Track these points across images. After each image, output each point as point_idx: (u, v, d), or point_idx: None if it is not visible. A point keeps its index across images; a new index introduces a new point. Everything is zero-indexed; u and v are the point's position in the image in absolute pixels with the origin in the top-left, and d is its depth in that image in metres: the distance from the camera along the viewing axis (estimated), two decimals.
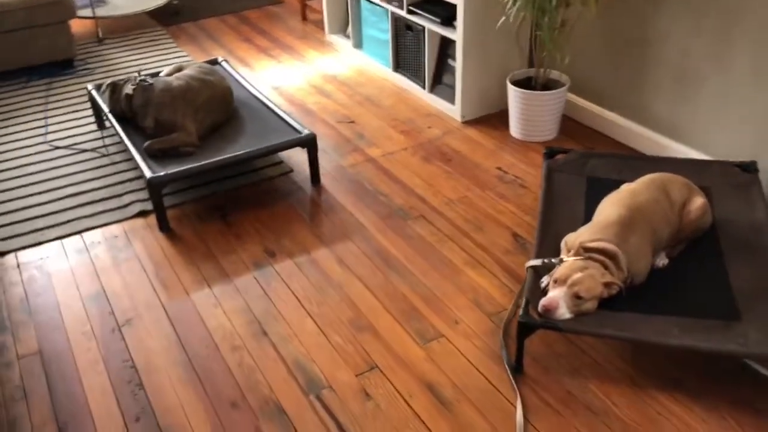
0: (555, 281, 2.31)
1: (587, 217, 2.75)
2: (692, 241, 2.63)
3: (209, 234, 3.14)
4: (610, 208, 2.56)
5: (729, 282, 2.41)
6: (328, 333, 2.57)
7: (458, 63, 3.85)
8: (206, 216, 3.27)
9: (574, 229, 2.66)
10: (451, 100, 4.05)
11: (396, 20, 4.33)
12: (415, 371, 2.39)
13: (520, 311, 2.29)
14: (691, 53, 3.18)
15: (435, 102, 4.19)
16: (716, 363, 2.33)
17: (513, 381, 2.30)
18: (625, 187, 2.68)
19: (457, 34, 3.79)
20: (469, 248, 2.98)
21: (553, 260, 2.44)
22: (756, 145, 3.03)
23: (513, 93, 3.71)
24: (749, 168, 2.97)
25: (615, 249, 2.36)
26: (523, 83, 3.75)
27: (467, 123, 3.99)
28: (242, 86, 3.93)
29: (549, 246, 2.60)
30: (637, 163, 3.11)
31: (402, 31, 4.32)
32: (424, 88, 4.25)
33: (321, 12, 5.52)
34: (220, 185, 3.47)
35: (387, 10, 4.36)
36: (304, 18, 5.70)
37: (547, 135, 3.75)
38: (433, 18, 3.97)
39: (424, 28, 4.06)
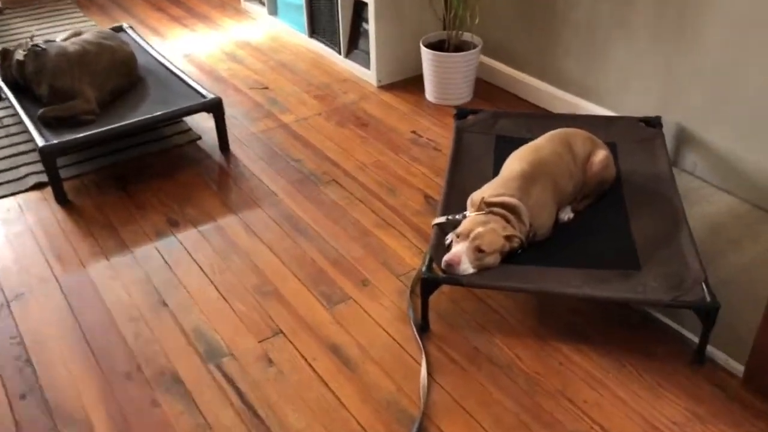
0: (458, 236, 2.28)
1: (496, 175, 2.74)
2: (599, 194, 2.64)
3: (109, 205, 2.99)
4: (513, 163, 2.54)
5: (630, 233, 2.43)
6: (231, 300, 2.48)
7: (371, 27, 3.77)
8: (107, 187, 3.12)
9: (481, 186, 2.64)
10: (367, 65, 3.97)
11: None
12: (321, 334, 2.33)
13: (423, 268, 2.25)
14: (598, 16, 3.19)
15: (351, 67, 4.11)
16: (620, 315, 2.36)
17: (418, 339, 2.27)
18: (530, 143, 2.67)
19: None
20: (380, 211, 2.93)
21: (457, 216, 2.41)
22: (660, 101, 3.07)
23: (426, 55, 3.66)
24: (653, 123, 3.00)
25: (516, 202, 2.35)
26: (437, 46, 3.71)
27: (383, 88, 3.92)
28: (148, 53, 3.76)
29: (455, 204, 2.57)
30: (546, 120, 3.11)
31: None
32: (339, 53, 4.16)
33: None
34: (124, 154, 3.32)
35: None
36: None
37: (462, 98, 3.73)
38: None
39: None
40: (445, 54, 3.59)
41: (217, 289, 2.53)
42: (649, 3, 2.96)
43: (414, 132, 3.49)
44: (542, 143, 2.61)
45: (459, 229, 2.29)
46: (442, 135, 3.44)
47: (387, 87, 3.92)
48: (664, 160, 2.79)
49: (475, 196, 2.51)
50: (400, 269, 2.60)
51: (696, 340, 2.21)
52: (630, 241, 2.39)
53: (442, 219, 2.44)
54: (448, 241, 2.37)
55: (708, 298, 2.08)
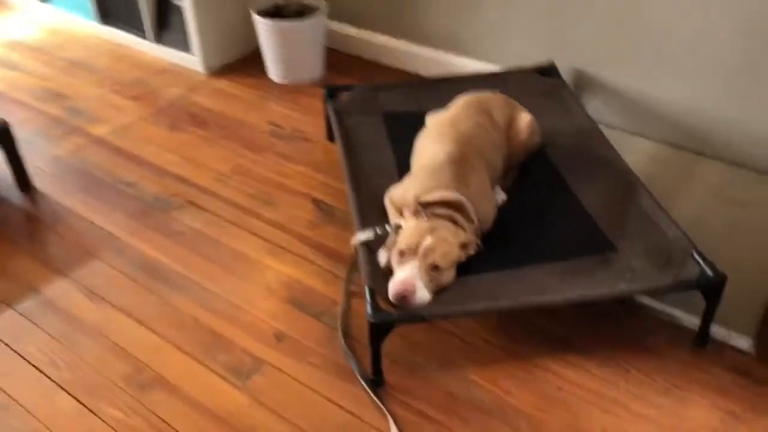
0: (401, 255, 1.73)
1: (400, 162, 2.21)
2: (522, 165, 2.21)
3: None
4: (433, 145, 2.02)
5: (584, 209, 2.03)
6: (96, 408, 1.73)
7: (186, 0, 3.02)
8: None
9: (390, 180, 2.11)
10: (187, 49, 3.21)
11: None
12: (241, 425, 1.68)
13: (367, 308, 1.68)
14: None
15: (166, 54, 3.31)
16: (594, 307, 1.96)
17: (376, 399, 1.70)
18: (440, 117, 2.16)
19: None
20: (263, 231, 2.28)
21: (387, 227, 1.85)
22: (549, 46, 2.70)
23: (263, 27, 2.99)
24: (549, 71, 2.63)
25: (459, 197, 1.84)
26: (273, 13, 3.04)
27: (214, 74, 3.20)
28: None
29: (370, 210, 2.01)
30: (432, 88, 2.62)
31: None
32: (145, 38, 3.34)
33: None
34: None
35: None
36: None
37: (313, 73, 3.12)
38: None
39: None
40: (286, 22, 2.95)
41: (71, 395, 1.76)
42: None
43: (271, 123, 2.84)
44: (457, 114, 2.12)
45: (401, 245, 1.74)
46: (307, 121, 2.83)
47: (218, 72, 3.20)
48: (581, 113, 2.43)
49: (397, 196, 1.97)
50: (317, 306, 2.00)
51: (687, 317, 1.88)
52: (588, 218, 1.99)
53: (366, 234, 1.87)
54: (383, 263, 1.81)
55: (710, 272, 1.73)
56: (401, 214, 1.90)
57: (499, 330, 1.90)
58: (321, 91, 2.64)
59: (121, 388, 1.78)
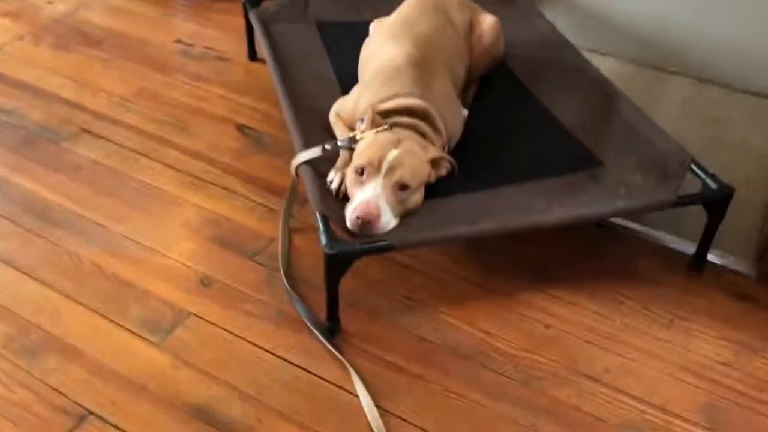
0: (359, 173, 1.40)
1: (342, 75, 1.87)
2: (483, 80, 1.91)
3: None
4: (386, 48, 1.69)
5: (560, 122, 1.76)
6: None
7: None
8: None
9: (332, 95, 1.77)
10: None
11: None
12: (164, 395, 1.33)
13: (321, 238, 1.34)
14: None
15: None
16: (570, 230, 1.70)
17: (333, 349, 1.39)
18: (390, 19, 1.82)
19: None
20: (179, 162, 1.89)
21: (338, 143, 1.51)
22: None
23: None
24: None
25: (424, 104, 1.52)
26: None
27: None
28: None
29: (312, 128, 1.66)
30: None
31: None
32: None
33: None
34: None
35: None
36: None
37: None
38: None
39: None
40: None
41: None
42: None
43: (179, 41, 2.41)
44: (411, 14, 1.79)
45: (359, 160, 1.41)
46: (223, 39, 2.42)
47: None
48: (542, 22, 2.15)
49: (346, 108, 1.64)
50: (250, 245, 1.65)
51: (674, 239, 1.66)
52: (566, 133, 1.72)
53: (311, 153, 1.52)
54: (334, 185, 1.48)
55: (714, 184, 1.50)
56: (353, 130, 1.56)
57: (470, 262, 1.61)
58: (238, 7, 2.24)
59: (6, 356, 1.38)
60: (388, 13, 1.93)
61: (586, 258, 1.64)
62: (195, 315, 1.48)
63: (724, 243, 1.63)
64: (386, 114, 1.49)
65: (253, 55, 2.30)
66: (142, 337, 1.43)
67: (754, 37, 2.12)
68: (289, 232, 1.66)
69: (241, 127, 2.02)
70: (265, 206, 1.76)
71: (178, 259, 1.61)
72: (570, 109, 1.79)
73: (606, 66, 2.26)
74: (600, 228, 1.71)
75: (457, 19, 1.83)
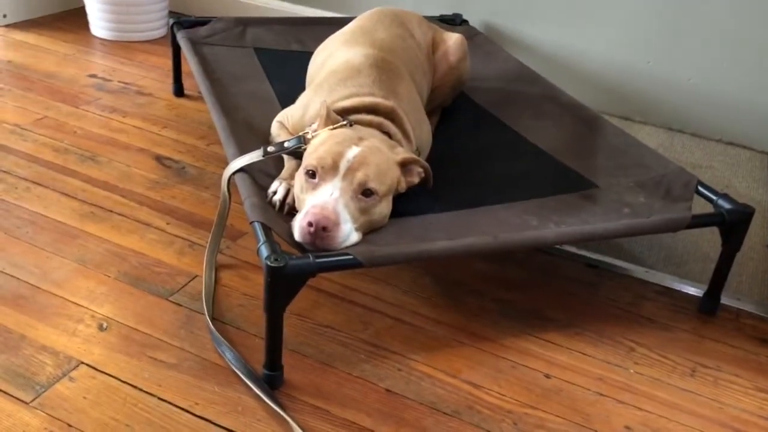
0: (311, 175, 1.10)
1: (284, 96, 1.61)
2: (445, 112, 1.69)
3: None
4: (343, 51, 1.44)
5: (539, 147, 1.52)
6: None
7: None
8: None
9: (271, 111, 1.49)
10: None
11: None
12: None
13: (261, 250, 1.01)
14: None
15: None
16: (556, 268, 1.44)
17: (277, 407, 1.02)
18: (344, 29, 1.58)
19: None
20: (82, 191, 1.54)
21: (285, 143, 1.21)
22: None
23: None
24: (455, 21, 2.17)
25: (391, 103, 1.26)
26: None
27: (14, 26, 2.40)
28: None
29: (247, 140, 1.36)
30: (316, 28, 2.03)
31: None
32: None
33: None
34: None
35: None
36: None
37: (153, 31, 2.44)
38: None
39: None
40: None
41: None
42: None
43: (93, 75, 2.11)
44: (368, 24, 1.56)
45: (310, 160, 1.11)
46: (144, 76, 2.13)
47: (21, 25, 2.42)
48: (503, 55, 1.98)
49: (295, 116, 1.35)
50: (167, 283, 1.29)
51: (676, 281, 1.42)
52: (548, 157, 1.49)
53: (251, 157, 1.22)
54: (278, 195, 1.16)
55: (728, 204, 1.28)
56: (297, 133, 1.28)
57: (445, 305, 1.30)
58: (165, 48, 2.00)
59: None
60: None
61: (583, 301, 1.36)
62: (86, 365, 1.09)
63: (730, 285, 1.39)
64: (345, 112, 1.22)
65: (179, 91, 2.02)
66: (9, 394, 1.03)
67: (725, 87, 2.00)
68: (215, 265, 1.32)
69: (160, 158, 1.70)
70: (185, 240, 1.42)
71: (69, 298, 1.23)
72: (550, 135, 1.57)
73: None
74: (593, 269, 1.45)
75: (418, 35, 1.61)
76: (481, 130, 1.62)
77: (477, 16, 2.22)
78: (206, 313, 1.19)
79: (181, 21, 1.93)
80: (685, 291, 1.41)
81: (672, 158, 1.92)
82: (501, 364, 1.18)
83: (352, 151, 1.10)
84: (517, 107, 1.70)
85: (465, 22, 2.17)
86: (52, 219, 1.44)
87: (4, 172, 1.58)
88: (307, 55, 1.70)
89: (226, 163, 1.27)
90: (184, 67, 1.94)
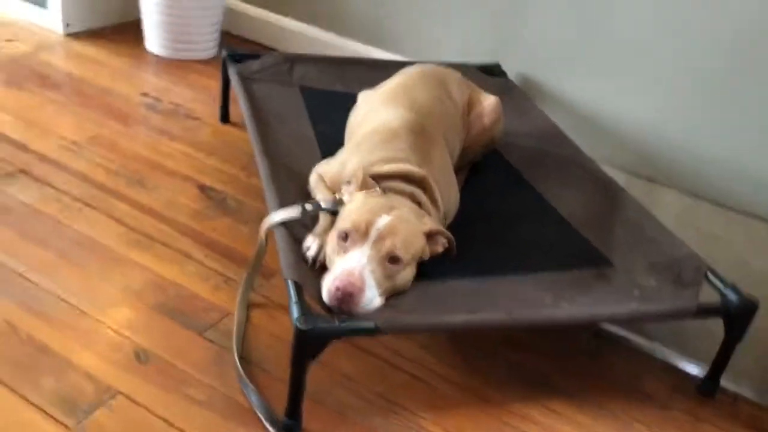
0: (343, 238, 1.19)
1: (323, 139, 1.71)
2: (475, 166, 1.77)
3: None
4: (381, 111, 1.53)
5: (561, 215, 1.60)
6: None
7: None
8: None
9: (312, 157, 1.59)
10: (42, 2, 2.53)
11: None
12: None
13: (293, 310, 1.11)
14: None
15: (12, 5, 2.61)
16: (570, 337, 1.51)
17: None
18: (387, 85, 1.68)
19: None
20: (128, 216, 1.65)
21: (322, 204, 1.31)
22: (490, 47, 2.32)
23: None
24: (494, 71, 2.25)
25: (423, 172, 1.34)
26: None
27: (75, 36, 2.53)
28: None
29: (288, 188, 1.46)
30: (359, 69, 2.14)
31: None
32: None
33: None
34: None
35: None
36: None
37: (205, 51, 2.55)
38: None
39: None
40: None
41: None
42: None
43: (146, 94, 2.22)
44: (410, 81, 1.65)
45: (344, 224, 1.20)
46: (195, 98, 2.24)
47: (81, 36, 2.54)
48: (537, 113, 2.05)
49: (332, 171, 1.44)
50: (201, 318, 1.40)
51: (678, 356, 1.48)
52: (568, 227, 1.56)
53: (289, 213, 1.31)
54: (311, 253, 1.26)
55: (734, 297, 1.34)
56: (333, 191, 1.37)
57: (459, 364, 1.39)
58: (215, 70, 2.12)
59: None
60: (374, 86, 1.81)
61: (589, 371, 1.44)
62: (123, 395, 1.20)
63: (732, 367, 1.45)
64: (379, 178, 1.31)
65: (225, 117, 2.12)
66: (54, 418, 1.14)
67: (751, 157, 2.05)
68: (248, 306, 1.42)
69: (203, 188, 1.80)
70: (222, 275, 1.52)
71: (111, 325, 1.34)
72: (571, 202, 1.64)
73: None
74: (601, 338, 1.52)
75: (456, 95, 1.70)
76: (506, 190, 1.70)
77: (515, 66, 2.29)
78: (235, 353, 1.29)
79: (233, 53, 2.03)
80: (687, 370, 1.47)
81: (693, 227, 1.99)
82: (505, 429, 1.26)
83: (383, 220, 1.18)
84: (545, 169, 1.78)
85: (503, 73, 2.25)
86: (100, 243, 1.55)
87: (60, 191, 1.70)
88: (350, 97, 1.80)
89: (264, 200, 1.36)
90: (231, 93, 2.03)
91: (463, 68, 2.19)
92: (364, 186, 1.27)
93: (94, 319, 1.35)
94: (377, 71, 2.07)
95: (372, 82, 1.80)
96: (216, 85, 2.21)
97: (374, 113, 1.53)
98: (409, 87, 1.61)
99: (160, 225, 1.64)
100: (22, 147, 1.84)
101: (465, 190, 1.63)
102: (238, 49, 2.10)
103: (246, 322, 1.39)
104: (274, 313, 1.42)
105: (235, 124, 2.12)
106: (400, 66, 2.16)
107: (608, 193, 1.67)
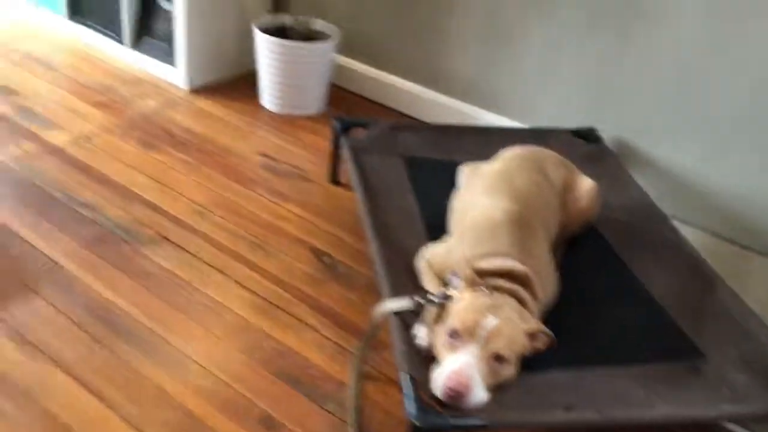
0: (453, 336, 1.32)
1: (426, 215, 1.85)
2: (571, 240, 1.86)
3: None
4: (482, 200, 1.65)
5: (654, 298, 1.68)
6: None
7: (180, 5, 2.61)
8: None
9: (416, 235, 1.73)
10: (169, 60, 2.78)
11: None
12: None
13: (409, 406, 1.25)
14: (503, 1, 2.44)
15: (141, 62, 2.88)
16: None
17: None
18: (487, 169, 1.80)
19: None
20: (253, 282, 1.84)
21: (433, 298, 1.44)
22: (587, 109, 2.40)
23: (266, 46, 2.61)
24: (589, 136, 2.32)
25: (525, 269, 1.46)
26: (277, 33, 2.67)
27: (197, 91, 2.77)
28: None
29: (397, 266, 1.61)
30: (458, 136, 2.27)
31: None
32: (121, 42, 2.91)
33: None
34: None
35: None
36: None
37: (313, 106, 2.74)
38: None
39: None
40: (293, 44, 2.58)
41: None
42: None
43: (263, 154, 2.43)
44: (509, 167, 1.76)
45: (454, 323, 1.33)
46: (306, 158, 2.43)
47: (202, 90, 2.78)
48: (632, 185, 2.12)
49: (438, 258, 1.58)
50: (320, 387, 1.56)
51: None
52: (661, 311, 1.64)
53: (402, 304, 1.46)
54: (422, 342, 1.40)
55: None
56: (442, 281, 1.51)
57: None
58: (323, 126, 2.28)
59: None
60: (475, 155, 1.95)
61: None
62: None
63: None
64: (483, 274, 1.43)
65: (334, 178, 2.29)
66: None
67: None
68: (362, 379, 1.57)
69: (316, 252, 1.97)
70: (336, 344, 1.68)
71: (239, 389, 1.53)
72: (664, 285, 1.71)
73: (690, 237, 2.21)
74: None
75: (554, 176, 1.80)
76: (600, 267, 1.79)
77: (612, 130, 2.36)
78: (351, 429, 1.44)
79: (344, 121, 2.19)
80: None
81: None
82: None
83: (490, 322, 1.31)
84: (639, 247, 1.85)
85: (598, 138, 2.32)
86: (227, 307, 1.74)
87: (192, 254, 1.91)
88: (452, 166, 1.94)
89: (370, 267, 1.51)
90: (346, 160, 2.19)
91: (558, 133, 2.31)
92: (470, 284, 1.40)
93: (225, 383, 1.53)
94: (478, 138, 2.22)
95: (473, 151, 1.94)
96: (323, 143, 2.40)
97: (477, 202, 1.66)
98: (509, 174, 1.72)
99: (279, 290, 1.82)
100: (159, 210, 2.06)
101: (561, 266, 1.74)
102: (347, 117, 2.25)
103: (360, 395, 1.54)
104: (386, 388, 1.57)
105: (343, 185, 2.28)
106: (500, 134, 2.30)
107: (703, 277, 1.73)
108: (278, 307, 1.77)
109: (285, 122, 2.65)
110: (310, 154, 2.45)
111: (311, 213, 2.14)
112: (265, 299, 1.79)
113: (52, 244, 1.86)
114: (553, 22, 2.37)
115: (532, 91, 2.51)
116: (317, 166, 2.37)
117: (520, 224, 1.56)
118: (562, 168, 1.85)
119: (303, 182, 2.29)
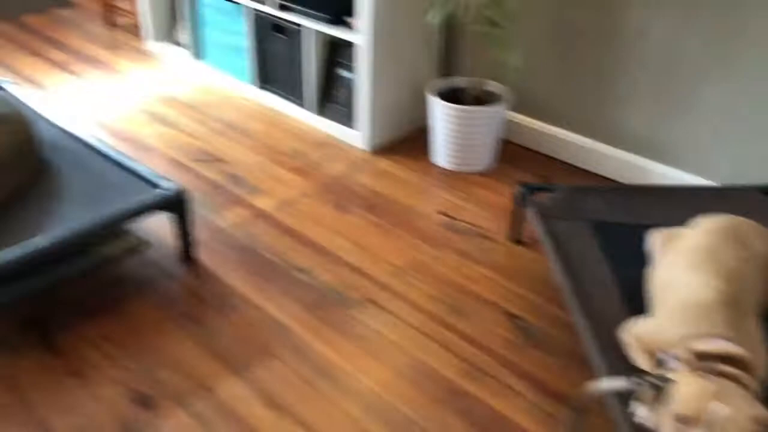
0: (681, 421, 1.41)
1: (622, 285, 1.92)
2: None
3: (25, 373, 1.83)
4: (689, 277, 1.72)
5: None
6: None
7: (363, 74, 2.84)
8: (17, 340, 1.94)
9: (614, 305, 1.81)
10: (349, 123, 3.03)
11: (259, 19, 3.21)
12: None
13: None
14: (682, 50, 2.48)
15: (325, 126, 3.15)
16: None
17: None
18: (689, 243, 1.86)
19: (359, 35, 2.79)
20: (456, 346, 1.99)
21: (652, 380, 1.53)
22: None
23: (441, 110, 2.78)
24: None
25: (746, 354, 1.52)
26: (450, 96, 2.85)
27: (376, 152, 2.99)
28: (47, 121, 2.59)
29: (605, 341, 1.71)
30: (645, 197, 2.32)
31: (268, 34, 3.21)
32: (303, 107, 3.19)
33: (133, 13, 4.21)
34: (34, 282, 2.14)
35: (242, 6, 3.24)
36: (110, 22, 4.33)
37: (484, 163, 2.88)
38: (318, 14, 2.93)
39: (300, 28, 3.01)
40: (471, 108, 2.74)
41: None
42: (759, 32, 2.28)
43: (443, 213, 2.59)
44: (711, 242, 1.81)
45: (683, 410, 1.42)
46: (482, 215, 2.57)
47: (380, 150, 3.00)
48: None
49: (648, 334, 1.66)
50: None
51: None
52: None
53: (618, 384, 1.56)
54: (649, 423, 1.49)
55: None
56: (653, 358, 1.59)
57: None
58: (495, 182, 2.43)
59: None
60: (661, 217, 2.02)
61: None
62: None
63: None
64: (706, 356, 1.50)
65: (515, 237, 2.42)
66: None
67: None
68: None
69: (511, 316, 2.10)
70: (542, 409, 1.80)
71: None
72: None
73: None
74: None
75: (758, 249, 1.83)
76: None
77: None
78: None
79: (529, 187, 2.32)
80: None
81: None
82: None
83: (722, 410, 1.38)
84: None
85: None
86: (441, 374, 1.90)
87: (398, 318, 2.09)
88: (641, 229, 2.02)
89: (567, 332, 1.61)
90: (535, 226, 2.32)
91: (746, 191, 2.32)
92: (691, 367, 1.48)
93: None
94: (664, 199, 2.27)
95: (661, 214, 1.99)
96: (496, 198, 2.53)
97: (681, 279, 1.72)
98: (713, 249, 1.78)
99: (482, 355, 1.96)
100: (362, 273, 2.27)
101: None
102: (532, 184, 2.38)
103: None
104: None
105: (525, 244, 2.41)
106: (685, 194, 2.33)
107: None
108: (483, 371, 1.91)
109: (457, 179, 2.81)
110: (484, 210, 2.59)
111: (498, 274, 2.27)
112: (470, 364, 1.93)
113: (279, 308, 2.10)
114: (730, 79, 2.38)
115: (706, 141, 2.53)
116: (494, 224, 2.50)
117: (733, 304, 1.62)
118: (764, 238, 1.88)
119: (484, 241, 2.43)
